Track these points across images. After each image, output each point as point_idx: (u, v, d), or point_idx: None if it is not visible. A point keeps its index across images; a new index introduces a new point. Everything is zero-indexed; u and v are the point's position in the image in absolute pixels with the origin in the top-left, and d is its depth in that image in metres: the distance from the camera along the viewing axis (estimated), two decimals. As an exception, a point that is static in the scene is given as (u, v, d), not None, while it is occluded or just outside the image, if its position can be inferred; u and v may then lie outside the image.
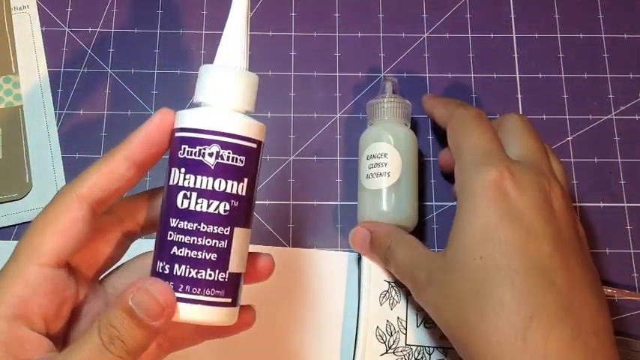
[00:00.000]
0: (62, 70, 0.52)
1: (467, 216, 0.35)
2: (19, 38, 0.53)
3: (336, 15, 0.55)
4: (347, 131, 0.51)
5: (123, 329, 0.27)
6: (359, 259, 0.46)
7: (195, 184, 0.29)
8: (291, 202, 0.49)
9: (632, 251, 0.49)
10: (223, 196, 0.29)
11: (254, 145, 0.30)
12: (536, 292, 0.32)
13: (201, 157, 0.29)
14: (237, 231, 0.30)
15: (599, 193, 0.51)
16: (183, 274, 0.29)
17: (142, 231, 0.34)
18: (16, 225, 0.48)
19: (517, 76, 0.54)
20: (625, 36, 0.55)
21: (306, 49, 0.54)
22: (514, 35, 0.55)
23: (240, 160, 0.30)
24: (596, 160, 0.51)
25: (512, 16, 0.55)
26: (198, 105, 0.31)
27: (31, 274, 0.29)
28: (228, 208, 0.30)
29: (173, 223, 0.29)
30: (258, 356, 0.45)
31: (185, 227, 0.29)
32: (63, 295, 0.30)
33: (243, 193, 0.30)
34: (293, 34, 0.54)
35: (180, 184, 0.29)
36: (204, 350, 0.36)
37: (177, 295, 0.29)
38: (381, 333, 0.44)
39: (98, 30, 0.54)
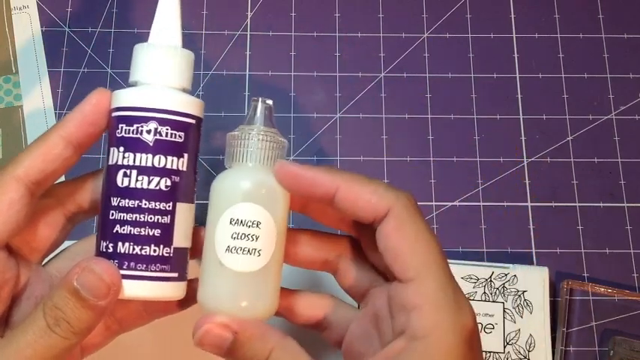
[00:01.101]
0: (62, 70, 0.52)
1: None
2: (19, 38, 0.53)
3: (336, 15, 0.55)
4: (347, 131, 0.51)
5: (68, 310, 0.27)
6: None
7: (134, 161, 0.29)
8: (291, 202, 0.49)
9: (632, 251, 0.49)
10: (164, 172, 0.29)
11: (192, 121, 0.30)
12: None
13: (139, 135, 0.29)
14: (180, 206, 0.30)
15: (599, 193, 0.51)
16: (127, 252, 0.29)
17: (85, 214, 0.33)
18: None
19: (517, 76, 0.54)
20: (625, 36, 0.55)
21: (306, 49, 0.54)
22: (514, 35, 0.55)
23: (179, 135, 0.30)
24: (596, 160, 0.51)
25: (513, 16, 0.55)
26: (134, 85, 0.31)
27: None
28: (169, 183, 0.30)
29: (114, 202, 0.29)
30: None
31: (127, 205, 0.29)
32: (2, 278, 0.29)
33: (184, 169, 0.30)
34: (293, 34, 0.54)
35: (120, 162, 0.29)
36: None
37: (122, 272, 0.29)
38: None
39: (98, 30, 0.54)
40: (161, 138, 0.29)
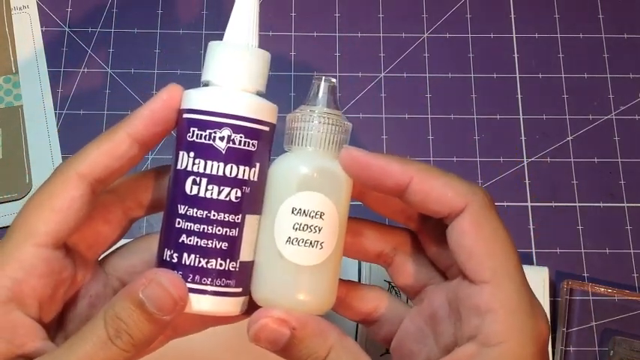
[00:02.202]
0: (62, 70, 0.52)
1: None
2: (19, 38, 0.53)
3: (336, 15, 0.55)
4: (347, 131, 0.51)
5: (131, 322, 0.26)
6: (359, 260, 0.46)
7: (205, 169, 0.27)
8: (291, 202, 0.49)
9: (632, 251, 0.49)
10: (235, 183, 0.28)
11: (266, 129, 0.29)
12: None
13: (211, 142, 0.27)
14: (249, 218, 0.28)
15: (599, 193, 0.51)
16: (192, 264, 0.27)
17: (144, 211, 0.31)
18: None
19: (517, 76, 0.54)
20: (625, 36, 0.55)
21: (306, 49, 0.54)
22: (514, 35, 0.55)
23: (252, 144, 0.28)
24: (596, 160, 0.51)
25: (513, 16, 0.55)
26: (206, 84, 0.29)
27: (25, 256, 0.27)
28: (239, 194, 0.28)
29: (182, 210, 0.28)
30: (257, 355, 0.45)
31: (194, 215, 0.27)
32: (59, 278, 0.28)
33: (255, 179, 0.28)
34: (293, 34, 0.54)
35: (189, 168, 0.28)
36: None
37: (187, 285, 0.27)
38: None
39: (98, 30, 0.54)
40: (234, 146, 0.28)
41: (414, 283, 0.31)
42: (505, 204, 0.50)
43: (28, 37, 0.53)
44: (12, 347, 0.27)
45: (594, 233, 0.49)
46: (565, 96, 0.53)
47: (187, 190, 0.28)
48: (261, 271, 0.29)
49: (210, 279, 0.28)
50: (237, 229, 0.28)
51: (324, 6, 0.55)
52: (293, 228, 0.29)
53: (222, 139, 0.27)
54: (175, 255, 0.28)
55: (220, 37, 0.30)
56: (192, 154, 0.28)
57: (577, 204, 0.50)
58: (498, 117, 0.52)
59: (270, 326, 0.27)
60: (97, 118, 0.51)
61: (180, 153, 0.28)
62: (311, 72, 0.53)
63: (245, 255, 0.29)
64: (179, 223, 0.28)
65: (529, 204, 0.50)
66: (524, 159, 0.51)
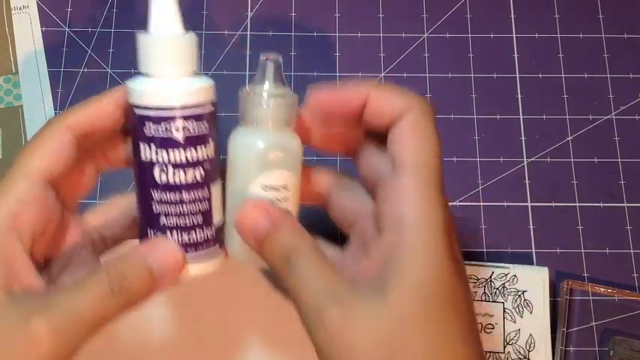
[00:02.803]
0: (62, 70, 0.52)
1: (424, 258, 0.28)
2: (19, 38, 0.53)
3: (336, 15, 0.55)
4: (347, 131, 0.51)
5: (135, 282, 0.29)
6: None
7: (168, 158, 0.30)
8: (291, 202, 0.49)
9: (632, 251, 0.49)
10: (197, 163, 0.31)
11: (212, 107, 0.31)
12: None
13: (169, 134, 0.30)
14: (213, 188, 0.32)
15: (599, 193, 0.51)
16: (177, 240, 0.31)
17: (110, 166, 0.35)
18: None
19: (517, 76, 0.54)
20: (625, 36, 0.55)
21: (307, 49, 0.54)
22: (514, 35, 0.55)
23: (204, 126, 0.31)
24: (596, 160, 0.51)
25: (513, 16, 0.55)
26: (146, 75, 0.31)
27: (21, 189, 0.30)
28: (203, 172, 0.31)
29: (156, 196, 0.31)
30: (256, 355, 0.45)
31: (169, 199, 0.31)
32: (50, 217, 0.31)
33: (212, 154, 0.31)
34: (293, 34, 0.54)
35: (154, 159, 0.31)
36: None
37: None
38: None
39: (98, 30, 0.54)
40: (190, 134, 0.30)
41: (349, 214, 0.34)
42: (505, 204, 0.50)
43: (28, 37, 0.53)
44: (7, 278, 0.28)
45: (594, 233, 0.49)
46: (565, 96, 0.53)
47: (157, 179, 0.31)
48: (234, 232, 0.32)
49: (194, 248, 0.32)
50: (207, 201, 0.32)
51: (324, 6, 0.55)
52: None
53: (177, 129, 0.30)
54: (159, 234, 0.31)
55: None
56: (152, 146, 0.30)
57: (577, 204, 0.50)
58: (498, 117, 0.52)
59: (256, 214, 0.31)
60: (97, 118, 0.51)
61: (141, 144, 0.31)
62: (311, 72, 0.53)
63: (216, 219, 0.32)
64: (156, 208, 0.31)
65: (529, 204, 0.50)
66: (524, 159, 0.51)
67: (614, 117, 0.52)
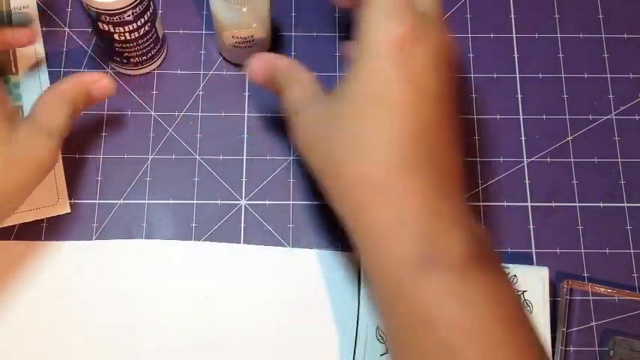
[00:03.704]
0: (62, 70, 0.52)
1: (366, 67, 0.35)
2: (19, 38, 0.53)
3: (337, 15, 0.55)
4: (347, 131, 0.51)
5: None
6: (360, 260, 0.46)
7: (124, 31, 0.47)
8: (291, 202, 0.49)
9: (632, 251, 0.49)
10: (142, 25, 0.47)
11: None
12: (412, 145, 0.34)
13: (121, 18, 0.45)
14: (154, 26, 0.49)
15: (599, 193, 0.51)
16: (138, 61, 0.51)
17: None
18: (16, 225, 0.48)
19: (517, 76, 0.54)
20: (625, 36, 0.55)
21: (306, 49, 0.54)
22: (514, 35, 0.55)
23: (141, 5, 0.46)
24: (596, 160, 0.51)
25: (513, 16, 0.55)
26: None
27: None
28: (147, 28, 0.48)
29: (118, 48, 0.49)
30: (258, 356, 0.45)
31: (131, 46, 0.49)
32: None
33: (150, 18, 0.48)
34: (293, 34, 0.54)
35: (112, 30, 0.46)
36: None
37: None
38: (381, 333, 0.44)
39: (98, 30, 0.54)
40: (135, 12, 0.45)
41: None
42: (505, 204, 0.50)
43: (28, 37, 0.53)
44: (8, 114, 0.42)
45: (594, 233, 0.49)
46: (565, 96, 0.53)
47: (117, 39, 0.47)
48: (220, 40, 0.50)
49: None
50: (154, 31, 0.49)
51: (324, 6, 0.55)
52: (234, 46, 0.50)
53: (128, 15, 0.45)
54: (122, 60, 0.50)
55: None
56: (110, 26, 0.46)
57: (577, 204, 0.50)
58: (498, 117, 0.52)
59: (262, 62, 0.43)
60: (96, 119, 0.51)
61: (99, 23, 0.46)
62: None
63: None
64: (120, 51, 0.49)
65: (529, 204, 0.50)
66: (524, 159, 0.51)
67: (614, 117, 0.52)
